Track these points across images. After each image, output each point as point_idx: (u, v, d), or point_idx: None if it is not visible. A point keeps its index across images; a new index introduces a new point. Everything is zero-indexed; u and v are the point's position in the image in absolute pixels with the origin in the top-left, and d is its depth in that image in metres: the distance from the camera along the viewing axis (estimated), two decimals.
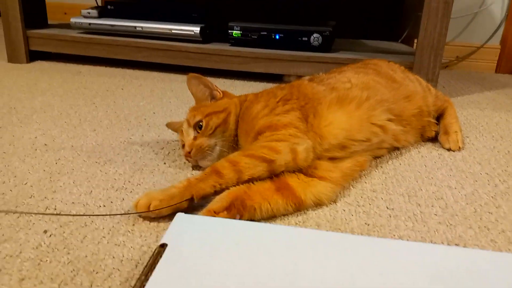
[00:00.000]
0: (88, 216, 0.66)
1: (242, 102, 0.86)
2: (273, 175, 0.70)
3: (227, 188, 0.66)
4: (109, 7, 1.65)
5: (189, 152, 0.78)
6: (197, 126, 0.80)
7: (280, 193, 0.67)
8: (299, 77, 1.48)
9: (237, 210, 0.62)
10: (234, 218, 0.62)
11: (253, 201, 0.64)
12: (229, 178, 0.66)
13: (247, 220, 0.64)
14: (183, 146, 0.81)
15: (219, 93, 0.87)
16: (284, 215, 0.68)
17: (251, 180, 0.68)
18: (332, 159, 0.78)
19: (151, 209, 0.62)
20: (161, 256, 0.47)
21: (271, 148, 0.69)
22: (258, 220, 0.66)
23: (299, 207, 0.68)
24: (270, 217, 0.67)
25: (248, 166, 0.67)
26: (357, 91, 0.85)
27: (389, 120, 0.86)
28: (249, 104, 0.84)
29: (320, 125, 0.78)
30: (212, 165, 0.68)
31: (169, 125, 0.94)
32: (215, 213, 0.61)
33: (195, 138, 0.79)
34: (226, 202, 0.62)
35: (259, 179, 0.68)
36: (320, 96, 0.83)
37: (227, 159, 0.69)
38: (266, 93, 0.86)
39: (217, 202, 0.63)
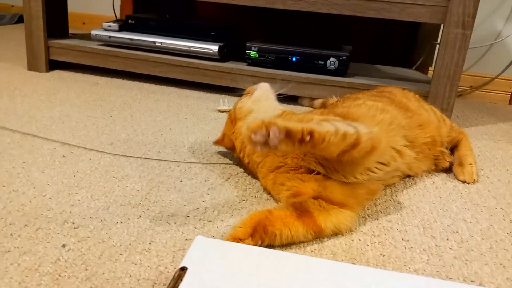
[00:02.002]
0: (105, 233, 0.67)
1: None
2: (295, 199, 0.72)
3: None
4: (130, 21, 1.68)
5: None
6: None
7: (301, 220, 0.67)
8: (313, 99, 1.50)
9: (259, 236, 0.63)
10: (257, 244, 0.62)
11: (274, 227, 0.65)
12: None
13: (267, 245, 0.65)
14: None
15: None
16: (302, 242, 0.68)
17: None
18: (345, 182, 0.77)
19: None
20: (181, 280, 0.48)
21: None
22: (277, 246, 0.66)
23: (318, 235, 0.69)
24: (289, 243, 0.67)
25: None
26: (381, 115, 0.86)
27: (405, 146, 0.87)
28: None
29: None
30: None
31: None
32: (240, 240, 0.61)
33: None
34: (250, 228, 0.63)
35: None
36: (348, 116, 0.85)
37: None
38: None
39: (241, 228, 0.63)
